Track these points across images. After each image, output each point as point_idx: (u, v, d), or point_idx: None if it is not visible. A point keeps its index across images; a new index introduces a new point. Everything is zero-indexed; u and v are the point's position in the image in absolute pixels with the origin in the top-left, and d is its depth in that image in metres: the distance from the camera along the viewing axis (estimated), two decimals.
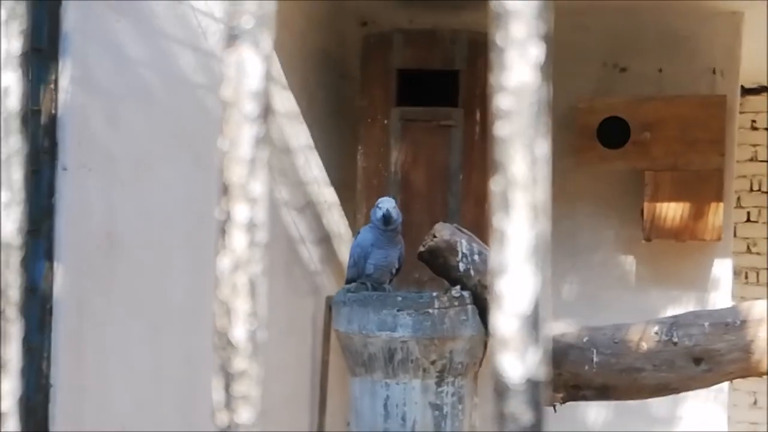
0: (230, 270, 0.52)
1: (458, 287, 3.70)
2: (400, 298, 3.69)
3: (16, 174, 0.54)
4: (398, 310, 3.65)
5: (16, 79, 0.54)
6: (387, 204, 3.75)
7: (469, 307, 3.70)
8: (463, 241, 3.73)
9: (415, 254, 3.82)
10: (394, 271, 3.91)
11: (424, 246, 3.76)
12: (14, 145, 0.54)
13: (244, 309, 0.52)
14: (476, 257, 3.71)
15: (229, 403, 0.52)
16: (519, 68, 0.49)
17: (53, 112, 2.86)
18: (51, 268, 2.86)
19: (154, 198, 3.47)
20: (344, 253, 4.93)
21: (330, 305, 4.32)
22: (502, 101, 0.49)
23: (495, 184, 0.49)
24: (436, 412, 3.71)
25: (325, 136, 5.06)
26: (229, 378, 0.52)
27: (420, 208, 4.56)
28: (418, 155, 4.65)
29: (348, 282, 3.96)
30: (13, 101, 0.54)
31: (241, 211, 0.52)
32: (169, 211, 3.57)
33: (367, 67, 4.90)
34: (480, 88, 4.66)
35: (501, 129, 0.49)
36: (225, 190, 0.53)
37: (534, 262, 0.48)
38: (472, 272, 3.70)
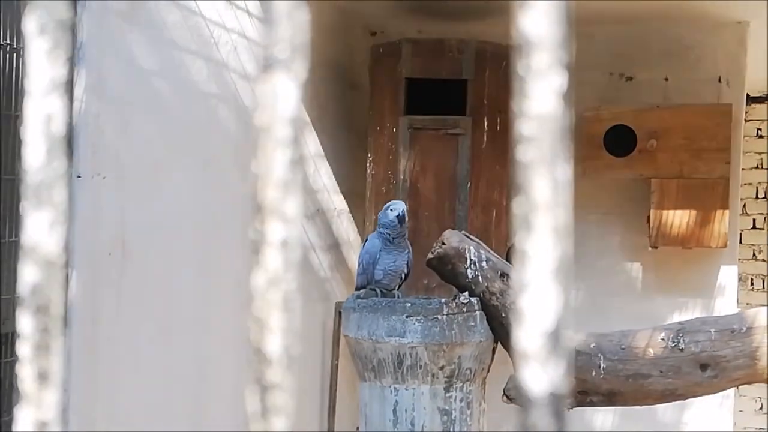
0: (265, 287, 0.55)
1: (466, 294, 3.73)
2: (409, 305, 3.71)
3: (60, 196, 0.57)
4: (407, 316, 3.67)
5: (62, 105, 0.57)
6: (400, 205, 3.79)
7: (478, 313, 3.72)
8: (472, 248, 3.76)
9: (423, 261, 3.85)
10: (403, 276, 3.93)
11: (432, 253, 3.78)
12: (59, 167, 0.57)
13: (278, 324, 0.54)
14: (484, 264, 3.73)
15: (264, 414, 0.54)
16: (541, 96, 0.51)
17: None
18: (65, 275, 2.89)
19: (166, 205, 3.51)
20: (354, 260, 4.96)
21: (340, 311, 4.35)
22: (524, 128, 0.52)
23: (517, 207, 0.52)
24: (445, 418, 3.73)
25: (335, 144, 5.09)
26: (263, 390, 0.54)
27: (428, 216, 4.59)
28: (426, 163, 4.68)
29: (357, 289, 3.98)
30: (59, 126, 0.57)
31: (275, 231, 0.55)
32: (181, 219, 3.61)
33: (376, 77, 4.93)
34: (488, 96, 4.68)
35: (523, 154, 0.52)
36: (258, 210, 0.56)
37: (557, 281, 0.51)
38: (480, 279, 3.72)
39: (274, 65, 0.55)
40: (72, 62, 0.58)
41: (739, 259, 5.67)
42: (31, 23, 0.56)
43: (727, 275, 5.25)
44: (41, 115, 0.57)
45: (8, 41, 2.80)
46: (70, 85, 0.57)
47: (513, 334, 0.51)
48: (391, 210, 3.79)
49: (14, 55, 2.80)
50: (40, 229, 0.56)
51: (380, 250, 3.83)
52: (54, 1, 0.56)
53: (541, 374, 0.51)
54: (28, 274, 0.56)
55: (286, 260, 0.55)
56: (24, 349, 0.56)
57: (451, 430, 3.75)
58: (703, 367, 3.45)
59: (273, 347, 0.54)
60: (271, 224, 0.55)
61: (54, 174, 0.57)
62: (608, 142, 5.06)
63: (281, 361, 0.54)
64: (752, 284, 7.55)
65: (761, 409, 7.47)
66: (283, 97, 0.55)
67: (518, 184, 0.52)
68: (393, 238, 3.81)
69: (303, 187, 0.55)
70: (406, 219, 3.81)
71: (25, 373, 0.56)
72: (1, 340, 2.78)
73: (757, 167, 7.50)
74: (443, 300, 3.73)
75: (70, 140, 0.59)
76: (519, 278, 0.51)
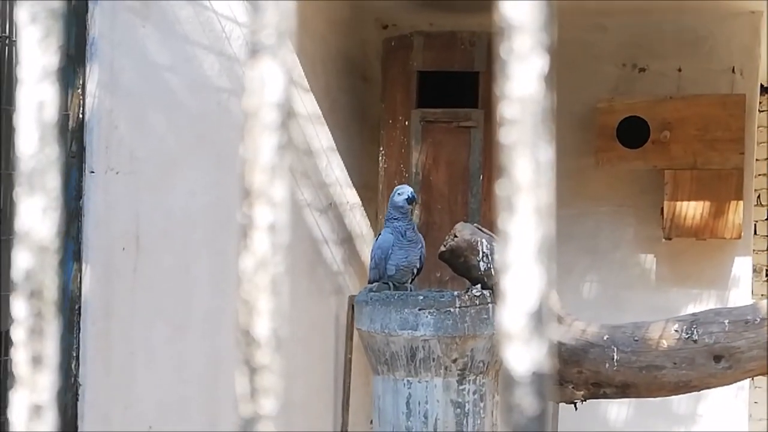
0: (253, 270, 0.56)
1: (479, 286, 3.73)
2: (421, 297, 3.72)
3: (53, 182, 0.58)
4: (420, 309, 3.68)
5: (53, 93, 0.58)
6: (407, 189, 3.80)
7: (490, 305, 3.72)
8: (484, 241, 3.76)
9: (436, 254, 3.85)
10: (415, 271, 3.94)
11: (445, 246, 3.79)
12: (51, 154, 0.58)
13: (266, 307, 0.55)
14: (497, 256, 3.73)
15: (252, 394, 0.55)
16: (523, 79, 0.52)
17: (81, 116, 2.91)
18: (79, 269, 2.92)
19: (178, 200, 3.52)
20: (366, 254, 4.97)
21: (353, 305, 4.35)
22: (506, 110, 0.52)
23: (500, 189, 0.52)
24: (458, 410, 3.74)
25: (347, 138, 5.09)
26: (252, 372, 0.55)
27: (441, 209, 4.59)
28: (438, 156, 4.68)
29: (370, 283, 3.99)
30: (50, 113, 0.58)
31: (263, 215, 0.55)
32: (194, 213, 3.62)
33: (387, 70, 4.94)
34: None
35: (506, 136, 0.52)
36: (246, 194, 0.56)
37: (539, 261, 0.52)
38: (492, 271, 3.73)
39: (261, 51, 0.56)
40: (64, 50, 0.59)
41: (753, 250, 5.66)
42: (23, 12, 0.57)
43: (742, 266, 5.23)
44: (33, 102, 0.57)
45: (6, 33, 2.81)
46: (62, 73, 0.58)
47: (496, 315, 0.52)
48: (399, 194, 3.80)
49: (13, 48, 2.81)
50: (33, 215, 0.57)
51: (392, 245, 3.84)
52: None
53: (524, 354, 0.51)
54: (21, 260, 0.57)
55: (274, 244, 0.55)
56: (18, 333, 0.57)
57: (465, 422, 3.76)
58: (717, 358, 3.44)
59: (261, 330, 0.55)
60: (258, 208, 0.55)
61: (46, 160, 0.58)
62: (621, 134, 5.05)
63: (270, 343, 0.55)
64: (767, 275, 7.51)
65: None
66: (270, 82, 0.56)
67: (501, 166, 0.52)
68: (404, 230, 3.81)
69: (290, 171, 0.56)
70: (416, 200, 3.83)
71: (20, 357, 0.57)
72: (2, 338, 2.80)
73: None
74: (456, 293, 3.74)
75: (65, 127, 0.60)
76: (501, 259, 0.52)
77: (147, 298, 3.33)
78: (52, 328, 0.58)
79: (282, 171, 0.55)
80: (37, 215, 0.57)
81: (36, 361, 0.57)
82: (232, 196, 3.87)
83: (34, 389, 0.57)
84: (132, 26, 3.22)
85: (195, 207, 3.63)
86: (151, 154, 3.34)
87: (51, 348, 0.58)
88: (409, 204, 3.80)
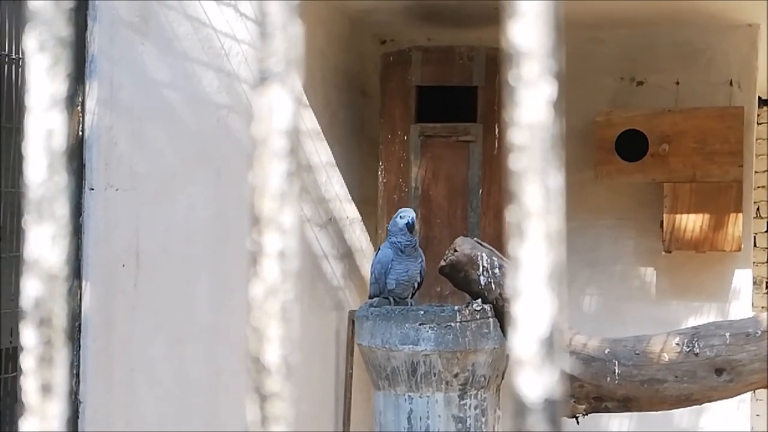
0: (263, 297, 0.56)
1: (479, 300, 3.73)
2: (422, 312, 3.72)
3: (62, 210, 0.58)
4: (420, 324, 3.67)
5: (62, 121, 0.58)
6: (409, 213, 3.80)
7: (491, 320, 3.72)
8: (484, 255, 3.76)
9: (436, 268, 3.85)
10: (416, 285, 3.94)
11: (445, 260, 3.79)
12: (60, 182, 0.58)
13: (276, 334, 0.55)
14: (497, 271, 3.73)
15: (263, 422, 0.55)
16: (532, 105, 0.52)
17: (80, 133, 2.91)
18: (79, 286, 2.91)
19: (179, 216, 3.52)
20: (366, 268, 4.97)
21: (353, 320, 4.35)
22: (516, 136, 0.52)
23: (510, 215, 0.52)
24: (460, 425, 3.73)
25: (346, 153, 5.10)
26: (262, 399, 0.55)
27: (440, 223, 4.60)
28: (437, 170, 4.68)
29: (371, 298, 3.99)
30: (59, 141, 0.58)
31: (272, 242, 0.55)
32: (194, 229, 3.62)
33: (386, 85, 4.94)
34: (498, 103, 4.69)
35: (516, 163, 0.52)
36: (256, 221, 0.56)
37: (550, 287, 0.52)
38: (493, 285, 3.72)
39: (270, 78, 0.56)
40: (72, 78, 0.59)
41: (753, 263, 5.66)
42: (31, 40, 0.57)
43: (742, 279, 5.23)
44: (42, 130, 0.58)
45: (6, 52, 2.81)
46: (70, 101, 0.58)
47: (508, 341, 0.52)
48: (400, 218, 3.80)
49: (12, 66, 2.81)
50: (42, 243, 0.57)
51: (392, 260, 3.84)
52: (54, 18, 0.57)
53: (536, 380, 0.51)
54: (30, 288, 0.57)
55: (284, 271, 0.55)
56: (28, 361, 0.57)
57: None
58: (719, 371, 3.44)
59: (271, 357, 0.55)
60: (268, 235, 0.55)
61: (55, 188, 0.58)
62: (620, 147, 5.06)
63: (280, 371, 0.55)
64: (767, 287, 7.52)
65: None
66: (279, 109, 0.56)
67: (511, 193, 0.52)
68: (404, 246, 3.82)
69: (299, 198, 0.56)
70: (416, 226, 3.83)
71: (29, 386, 0.57)
72: (2, 355, 2.79)
73: None
74: (456, 307, 3.74)
75: (74, 154, 0.60)
76: (512, 285, 0.52)
77: (147, 314, 3.32)
78: (62, 356, 0.58)
79: (291, 198, 0.55)
80: (46, 243, 0.57)
81: (46, 389, 0.57)
82: (233, 212, 3.87)
83: (44, 417, 0.57)
84: (131, 43, 3.23)
85: (195, 222, 3.63)
86: (150, 171, 3.35)
87: (61, 376, 0.58)
88: (409, 231, 3.81)
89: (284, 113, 0.56)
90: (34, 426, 0.57)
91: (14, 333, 2.77)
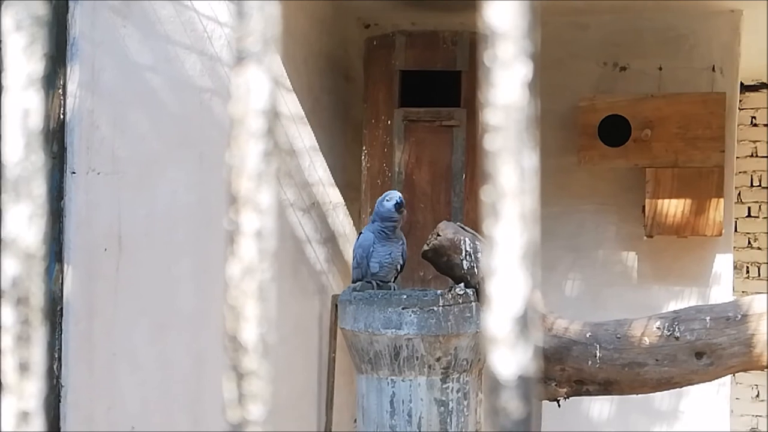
0: (240, 276, 0.56)
1: (462, 285, 3.74)
2: (405, 297, 3.73)
3: (39, 189, 0.58)
4: (403, 308, 3.68)
5: (39, 100, 0.58)
6: (396, 194, 3.81)
7: (473, 304, 3.73)
8: (467, 240, 3.77)
9: (419, 253, 3.86)
10: (399, 268, 3.95)
11: (428, 245, 3.80)
12: (37, 161, 0.58)
13: (253, 313, 0.55)
14: (480, 255, 3.75)
15: (240, 400, 0.55)
16: (507, 86, 0.52)
17: (61, 117, 2.90)
18: (61, 270, 2.91)
19: (161, 200, 3.52)
20: (349, 253, 4.97)
21: (336, 304, 4.36)
22: (491, 117, 0.53)
23: (485, 195, 0.53)
24: (442, 409, 3.75)
25: (330, 137, 5.09)
26: (239, 377, 0.56)
27: (424, 208, 4.60)
28: (421, 155, 4.69)
29: (354, 282, 4.00)
30: (36, 120, 0.58)
31: (249, 221, 0.56)
32: (176, 213, 3.62)
33: (369, 69, 4.94)
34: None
35: (491, 143, 0.53)
36: (233, 201, 0.57)
37: (524, 266, 0.52)
38: (475, 270, 3.74)
39: (247, 58, 0.56)
40: (49, 57, 0.59)
41: (734, 247, 5.69)
42: (7, 19, 0.57)
43: (723, 263, 5.26)
44: (19, 110, 0.58)
45: None
46: (48, 80, 0.58)
47: (482, 319, 0.52)
48: (387, 200, 3.81)
49: None
50: (19, 222, 0.57)
51: (374, 243, 3.85)
52: None
53: (509, 358, 0.52)
54: (8, 267, 0.57)
55: (261, 250, 0.56)
56: (5, 340, 0.58)
57: (449, 421, 3.77)
58: (699, 355, 3.46)
59: (248, 335, 0.55)
60: (245, 215, 0.56)
61: (32, 168, 0.58)
62: (603, 132, 5.08)
63: (257, 349, 0.55)
64: (748, 272, 7.57)
65: (758, 396, 7.50)
66: (256, 89, 0.56)
67: (486, 173, 0.53)
68: (388, 229, 3.83)
69: (276, 177, 0.56)
70: (404, 207, 3.84)
71: (7, 365, 0.57)
72: None
73: (751, 155, 7.52)
74: (439, 292, 3.75)
75: (53, 135, 0.60)
76: (487, 264, 0.52)
77: (129, 298, 3.32)
78: (39, 335, 0.58)
79: (268, 177, 0.56)
80: (23, 222, 0.58)
81: (23, 368, 0.58)
82: (215, 196, 3.87)
83: (22, 396, 0.57)
84: (113, 26, 3.21)
85: (177, 207, 3.62)
86: (132, 154, 3.34)
87: (38, 355, 0.58)
88: (397, 211, 3.81)
89: (261, 93, 0.56)
90: (12, 404, 0.57)
91: None
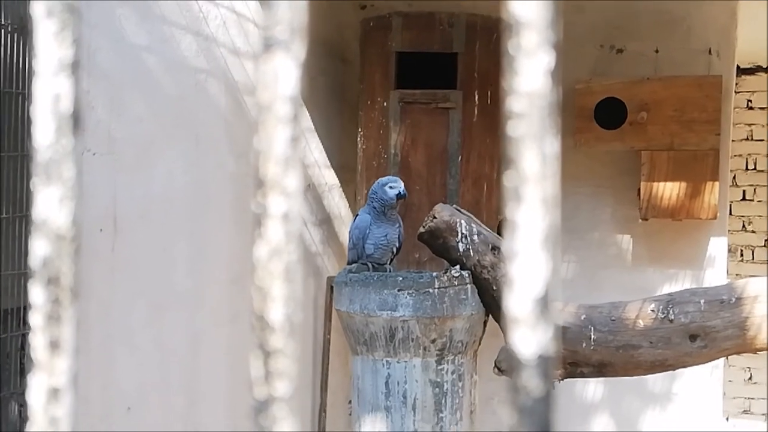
0: (267, 258, 0.57)
1: (458, 267, 3.76)
2: (400, 278, 3.75)
3: (69, 172, 0.60)
4: (399, 290, 3.71)
5: (69, 85, 0.59)
6: (399, 183, 3.82)
7: (469, 286, 3.75)
8: (463, 222, 3.79)
9: (415, 235, 3.88)
10: (394, 250, 3.97)
11: (424, 227, 3.81)
12: (67, 145, 0.59)
13: (280, 293, 0.57)
14: (475, 237, 3.77)
15: (267, 378, 0.57)
16: (530, 74, 0.54)
17: None
18: None
19: (157, 181, 3.53)
20: (345, 235, 4.98)
21: (332, 286, 4.38)
22: (514, 104, 0.54)
23: (508, 180, 0.54)
24: (437, 390, 3.78)
25: (326, 119, 5.10)
26: (266, 356, 0.57)
27: (419, 190, 4.61)
28: (417, 137, 4.69)
29: (349, 264, 4.01)
30: (66, 105, 0.59)
31: (277, 204, 0.57)
32: (172, 194, 3.63)
33: (366, 51, 4.94)
34: (478, 70, 4.70)
35: (514, 129, 0.54)
36: (260, 184, 0.58)
37: (545, 249, 0.54)
38: (471, 252, 3.75)
39: (274, 46, 0.57)
40: (78, 43, 0.60)
41: (729, 231, 5.72)
42: (39, 6, 0.58)
43: (717, 246, 5.29)
44: (50, 94, 0.59)
45: (8, 21, 2.81)
46: (77, 66, 0.60)
47: (503, 301, 0.54)
48: (390, 187, 3.81)
49: (14, 35, 2.81)
50: (49, 204, 0.59)
51: (371, 224, 3.86)
52: None
53: (530, 338, 0.54)
54: (39, 248, 0.59)
55: (287, 232, 0.57)
56: (36, 319, 0.59)
57: (443, 402, 3.80)
58: (693, 337, 3.49)
59: (275, 315, 0.57)
60: (272, 198, 0.57)
61: (63, 151, 0.59)
62: (599, 115, 5.08)
63: (283, 328, 0.57)
64: (742, 255, 7.61)
65: (750, 378, 7.55)
66: (283, 76, 0.57)
67: (508, 158, 0.54)
68: (386, 211, 3.84)
69: (302, 162, 0.58)
70: (406, 197, 3.87)
71: (38, 342, 0.59)
72: (2, 317, 2.81)
73: (747, 139, 7.55)
74: (435, 274, 3.77)
75: (80, 119, 0.61)
76: (509, 247, 0.54)
77: (125, 279, 3.33)
78: (69, 314, 0.60)
79: (295, 162, 0.57)
80: (53, 204, 0.59)
81: (54, 345, 0.59)
82: (211, 177, 3.88)
83: (53, 373, 0.59)
84: (109, 7, 3.21)
85: (173, 188, 3.63)
86: (128, 135, 3.34)
87: (68, 333, 0.59)
88: (398, 201, 3.84)
89: (289, 80, 0.57)
90: (43, 381, 0.58)
91: (18, 294, 2.78)
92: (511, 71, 0.54)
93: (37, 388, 0.59)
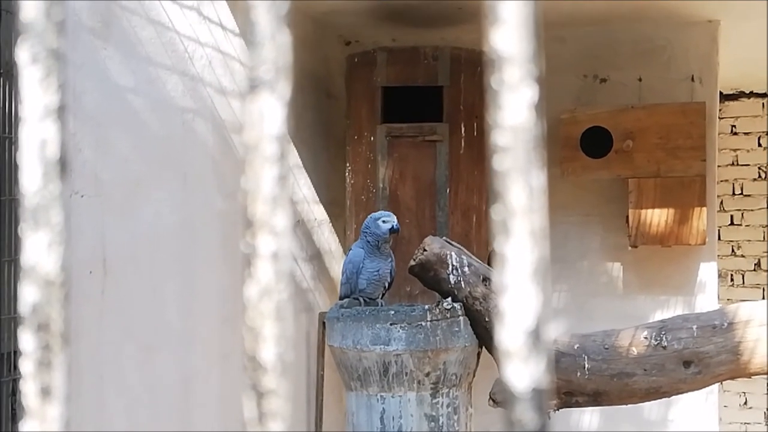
0: (257, 298, 0.57)
1: (449, 299, 3.75)
2: (392, 312, 3.74)
3: (56, 217, 0.60)
4: (391, 324, 3.70)
5: (55, 130, 0.59)
6: (393, 218, 3.83)
7: (461, 318, 3.75)
8: (453, 254, 3.79)
9: (405, 268, 3.88)
10: (386, 285, 3.96)
11: (414, 260, 3.81)
12: (54, 190, 0.59)
13: (271, 333, 0.57)
14: (466, 269, 3.77)
15: (260, 419, 0.57)
16: (514, 108, 0.54)
17: None
18: None
19: (145, 222, 3.52)
20: (336, 270, 4.98)
21: (323, 321, 4.37)
22: (499, 138, 0.54)
23: (495, 213, 0.54)
24: (432, 424, 3.76)
25: (313, 155, 5.11)
26: (259, 396, 0.57)
27: (409, 223, 4.62)
28: (405, 170, 4.71)
29: (341, 299, 4.01)
30: (53, 150, 0.59)
31: (266, 244, 0.57)
32: (161, 234, 3.62)
33: (352, 86, 4.96)
34: (464, 102, 4.72)
35: (499, 163, 0.54)
36: (249, 224, 0.58)
37: (535, 281, 0.54)
38: (462, 284, 3.75)
39: (260, 86, 0.57)
40: (63, 88, 0.60)
41: (718, 256, 5.73)
42: (23, 53, 0.59)
43: (707, 272, 5.30)
44: (36, 140, 0.59)
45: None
46: (62, 111, 0.60)
47: (496, 334, 0.54)
48: (383, 221, 3.82)
49: (0, 79, 2.82)
50: (38, 249, 0.59)
51: (364, 259, 3.86)
52: (45, 30, 0.58)
53: (523, 371, 0.54)
54: (28, 294, 0.59)
55: (277, 272, 0.57)
56: (27, 365, 0.59)
57: None
58: (687, 363, 3.48)
59: (267, 355, 0.57)
60: (261, 237, 0.57)
61: (50, 196, 0.59)
62: (585, 144, 5.11)
63: (276, 368, 0.57)
64: (732, 280, 7.62)
65: (745, 403, 7.54)
66: (269, 116, 0.57)
67: (495, 192, 0.54)
68: (379, 244, 3.84)
69: (290, 200, 0.58)
70: (399, 232, 3.88)
71: (29, 389, 0.59)
72: (2, 360, 2.79)
73: (732, 164, 7.58)
74: (427, 306, 3.76)
75: (67, 164, 0.61)
76: (499, 280, 0.54)
77: (115, 321, 3.32)
78: (60, 360, 0.59)
79: (283, 201, 0.57)
80: (42, 250, 0.59)
81: (45, 392, 0.59)
82: (199, 216, 3.87)
83: (44, 420, 0.58)
84: (93, 48, 3.22)
85: (161, 228, 3.62)
86: (116, 177, 3.34)
87: (59, 379, 0.59)
88: (391, 235, 3.85)
89: (275, 120, 0.57)
90: (35, 428, 0.58)
91: (8, 338, 2.77)
92: (495, 106, 0.54)
93: None
